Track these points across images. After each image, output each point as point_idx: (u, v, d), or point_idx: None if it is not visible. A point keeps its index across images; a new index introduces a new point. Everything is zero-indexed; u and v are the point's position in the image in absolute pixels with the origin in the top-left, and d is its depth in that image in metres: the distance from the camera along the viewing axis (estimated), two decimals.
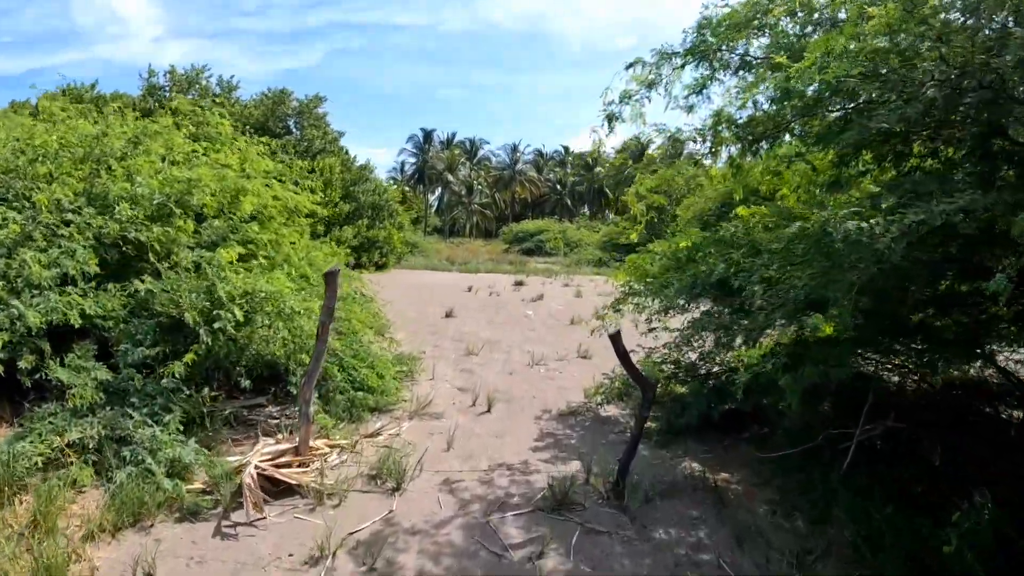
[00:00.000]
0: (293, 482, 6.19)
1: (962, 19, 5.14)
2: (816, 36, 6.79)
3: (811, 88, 7.98)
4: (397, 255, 37.58)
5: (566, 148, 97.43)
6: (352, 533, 5.55)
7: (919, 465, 7.17)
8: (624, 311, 8.52)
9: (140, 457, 6.36)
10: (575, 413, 8.98)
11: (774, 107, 7.75)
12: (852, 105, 7.08)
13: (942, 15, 5.08)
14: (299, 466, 6.56)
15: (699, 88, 7.65)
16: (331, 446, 7.12)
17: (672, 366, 9.32)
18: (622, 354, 5.89)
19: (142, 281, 7.65)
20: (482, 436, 7.96)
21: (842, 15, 6.31)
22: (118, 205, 8.05)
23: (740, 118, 7.94)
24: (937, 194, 4.45)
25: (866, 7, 5.24)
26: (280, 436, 7.30)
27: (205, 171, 9.42)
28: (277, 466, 6.36)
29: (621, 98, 6.85)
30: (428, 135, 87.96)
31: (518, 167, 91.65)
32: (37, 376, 6.78)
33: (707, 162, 8.11)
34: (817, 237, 3.81)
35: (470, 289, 24.70)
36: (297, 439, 6.86)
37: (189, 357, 6.95)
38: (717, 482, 6.95)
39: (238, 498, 5.93)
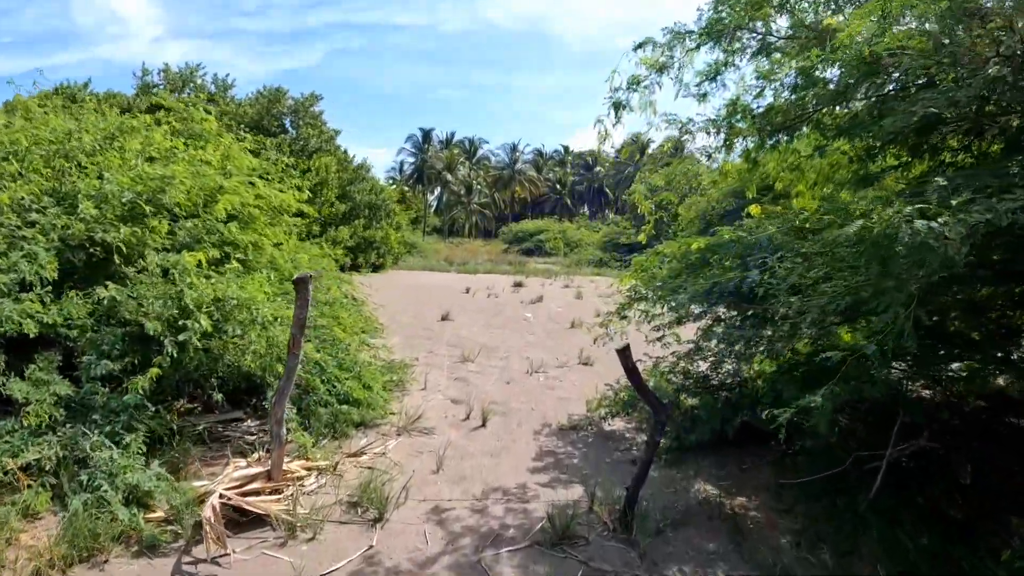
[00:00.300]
0: (262, 512, 5.54)
1: None
2: (847, 12, 6.18)
3: (833, 73, 7.39)
4: (394, 256, 37.00)
5: (566, 148, 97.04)
6: (326, 575, 4.90)
7: (948, 483, 6.58)
8: (631, 317, 7.87)
9: (97, 483, 5.73)
10: (576, 428, 8.33)
11: (794, 96, 7.16)
12: (887, 91, 6.47)
13: None
14: (271, 493, 5.92)
15: (713, 74, 7.02)
16: (308, 468, 6.46)
17: (681, 376, 8.69)
18: (632, 372, 5.24)
19: (106, 287, 7.00)
20: (475, 455, 7.30)
21: None
22: (82, 204, 7.41)
23: (758, 108, 7.33)
24: (995, 190, 3.82)
25: None
26: (254, 457, 6.66)
27: (180, 168, 8.78)
28: (245, 493, 5.71)
29: (629, 84, 6.21)
30: (427, 134, 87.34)
31: (517, 167, 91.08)
32: None
33: (720, 156, 7.47)
34: (875, 239, 3.18)
35: (468, 291, 24.07)
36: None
37: (153, 372, 6.30)
38: (734, 508, 6.30)
39: (201, 530, 5.29)
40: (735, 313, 6.85)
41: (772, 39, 6.43)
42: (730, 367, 8.23)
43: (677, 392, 8.07)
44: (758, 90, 7.30)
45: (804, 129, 7.53)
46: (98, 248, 7.60)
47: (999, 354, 6.15)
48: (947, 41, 4.23)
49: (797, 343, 6.38)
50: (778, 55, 7.12)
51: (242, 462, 6.37)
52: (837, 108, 7.62)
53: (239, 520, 5.60)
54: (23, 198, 7.53)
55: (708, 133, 7.17)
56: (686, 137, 7.04)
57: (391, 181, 78.91)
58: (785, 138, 7.39)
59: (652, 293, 7.81)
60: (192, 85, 30.70)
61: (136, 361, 6.78)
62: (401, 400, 9.15)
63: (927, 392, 7.57)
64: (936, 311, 5.43)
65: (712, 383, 8.28)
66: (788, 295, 4.67)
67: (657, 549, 5.43)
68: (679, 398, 8.39)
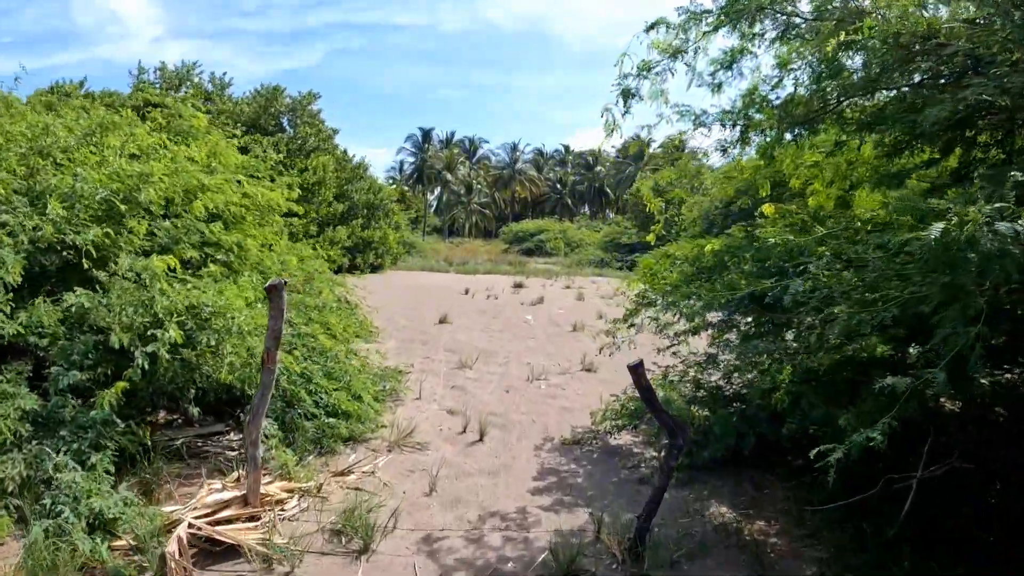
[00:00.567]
0: (235, 543, 5.01)
1: None
2: None
3: (856, 63, 6.86)
4: (393, 256, 36.50)
5: (566, 147, 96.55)
6: None
7: (979, 504, 6.09)
8: (641, 323, 7.35)
9: (59, 508, 5.22)
10: (580, 442, 7.80)
11: (816, 85, 6.65)
12: (921, 80, 5.97)
13: None
14: (248, 519, 5.39)
15: (729, 62, 6.49)
16: (289, 491, 5.94)
17: (691, 387, 8.17)
18: (646, 391, 4.71)
19: (75, 293, 6.49)
20: (472, 474, 6.77)
21: None
22: (50, 204, 6.89)
23: (776, 99, 6.81)
24: None
25: None
26: (232, 477, 6.14)
27: (158, 164, 8.27)
28: (218, 521, 5.19)
29: (639, 70, 5.67)
30: (427, 134, 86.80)
31: (518, 166, 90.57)
32: None
33: (734, 151, 6.94)
34: (947, 244, 2.67)
35: (467, 292, 23.55)
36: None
37: (119, 386, 5.78)
38: (753, 534, 5.78)
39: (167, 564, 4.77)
40: (750, 319, 6.31)
41: (797, 20, 5.89)
42: (744, 377, 7.71)
43: (689, 404, 7.54)
44: (776, 80, 6.80)
45: (824, 123, 7.05)
46: (71, 251, 7.10)
47: None
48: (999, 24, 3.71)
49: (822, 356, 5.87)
50: (798, 42, 6.62)
51: (217, 484, 5.85)
52: (860, 100, 7.13)
53: (212, 550, 5.08)
54: None
55: (723, 126, 6.66)
56: (699, 130, 6.53)
57: (391, 181, 78.41)
58: (805, 132, 6.90)
59: (663, 298, 7.30)
60: (189, 84, 30.17)
61: (109, 372, 6.29)
62: (394, 411, 8.62)
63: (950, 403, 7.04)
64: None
65: (725, 394, 7.76)
66: (823, 304, 4.14)
67: None
68: (691, 411, 7.88)
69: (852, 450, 3.75)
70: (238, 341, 6.23)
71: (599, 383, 10.60)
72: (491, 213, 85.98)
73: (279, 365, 6.61)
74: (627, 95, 5.69)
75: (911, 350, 5.04)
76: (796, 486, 6.75)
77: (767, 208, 8.30)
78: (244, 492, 5.54)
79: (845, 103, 6.90)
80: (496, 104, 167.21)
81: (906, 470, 5.88)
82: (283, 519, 5.56)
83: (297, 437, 7.03)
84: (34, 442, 5.67)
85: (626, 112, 5.74)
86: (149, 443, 6.51)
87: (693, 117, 6.43)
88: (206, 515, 5.22)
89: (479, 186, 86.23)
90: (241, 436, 7.32)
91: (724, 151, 6.67)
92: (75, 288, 6.55)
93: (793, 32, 6.47)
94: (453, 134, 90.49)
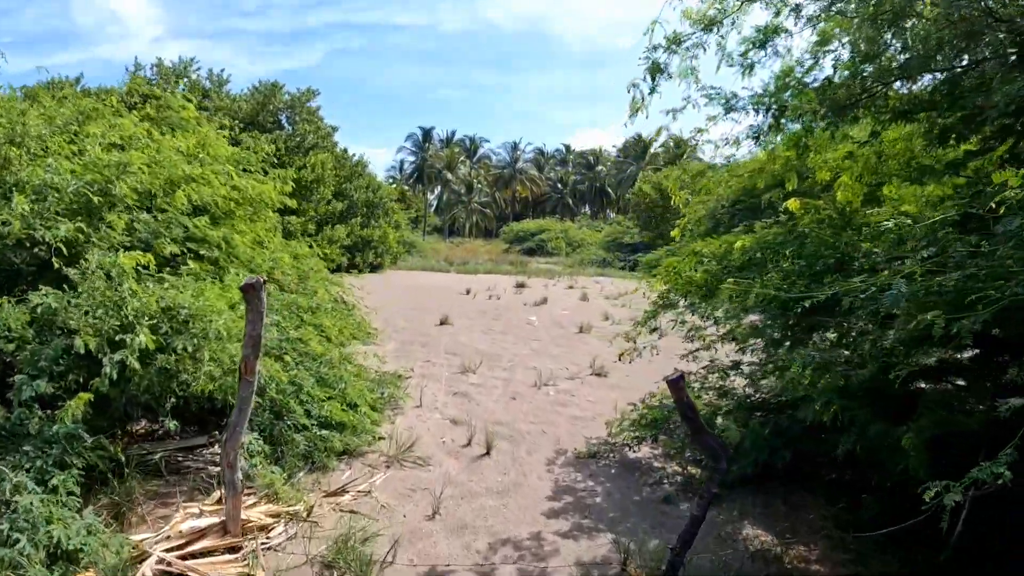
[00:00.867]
0: None
1: None
2: None
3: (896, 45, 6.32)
4: (393, 255, 35.93)
5: (567, 146, 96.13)
6: None
7: None
8: (662, 328, 6.74)
9: (15, 536, 4.60)
10: (596, 456, 7.17)
11: (862, 65, 6.06)
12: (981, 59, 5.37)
13: None
14: (227, 550, 4.77)
15: (762, 41, 5.88)
16: (275, 515, 5.30)
17: (713, 393, 7.55)
18: (688, 409, 4.08)
19: (41, 292, 5.87)
20: (479, 494, 6.13)
21: None
22: (15, 197, 6.27)
23: (813, 81, 6.21)
24: None
25: None
26: (214, 498, 5.51)
27: (138, 154, 7.65)
28: (192, 554, 4.57)
29: (669, 43, 5.04)
30: (427, 133, 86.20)
31: (518, 166, 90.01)
32: None
33: (765, 140, 6.32)
34: None
35: (468, 292, 22.92)
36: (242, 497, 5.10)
37: (84, 397, 5.16)
38: (794, 562, 5.17)
39: None
40: (793, 324, 5.67)
41: None
42: (771, 383, 7.08)
43: (713, 414, 6.91)
44: (810, 63, 6.20)
45: (864, 110, 6.46)
46: (43, 248, 6.49)
47: None
48: None
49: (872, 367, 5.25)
50: (839, 18, 6.02)
51: (194, 508, 5.22)
52: (902, 85, 6.55)
53: None
54: None
55: (756, 111, 6.04)
56: (731, 116, 5.91)
57: (391, 180, 77.85)
58: (846, 119, 6.30)
59: (688, 300, 6.69)
60: (186, 80, 29.55)
61: (80, 379, 5.67)
62: (393, 420, 7.99)
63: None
64: None
65: (751, 401, 7.13)
66: (917, 308, 3.52)
67: None
68: (712, 415, 7.26)
69: (967, 486, 3.15)
70: (218, 347, 5.59)
71: (611, 388, 9.97)
72: (492, 213, 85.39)
73: (263, 374, 5.99)
74: (656, 71, 5.07)
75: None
76: (831, 502, 6.16)
77: (792, 203, 7.69)
78: (224, 518, 4.91)
79: (890, 86, 6.32)
80: (496, 104, 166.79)
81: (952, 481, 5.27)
82: (267, 549, 4.93)
83: (286, 452, 6.40)
84: None
85: (653, 90, 5.13)
86: (122, 458, 5.91)
87: (723, 101, 5.81)
88: (179, 546, 4.61)
89: (479, 185, 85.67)
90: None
91: (757, 139, 6.05)
92: (44, 287, 5.95)
93: (834, 8, 5.88)
94: (454, 133, 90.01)
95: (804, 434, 6.22)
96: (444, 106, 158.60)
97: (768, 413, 6.93)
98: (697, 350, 7.14)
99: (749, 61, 5.96)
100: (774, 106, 5.89)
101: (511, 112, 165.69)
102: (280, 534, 5.15)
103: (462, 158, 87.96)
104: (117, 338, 5.38)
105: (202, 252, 7.49)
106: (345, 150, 34.62)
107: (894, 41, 6.07)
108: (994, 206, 3.71)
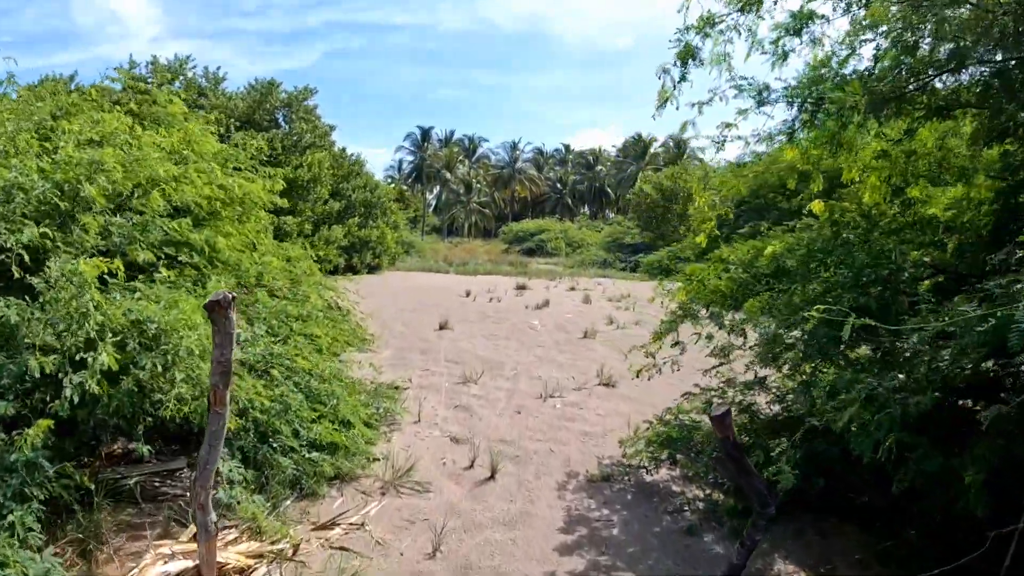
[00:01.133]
0: None
1: None
2: None
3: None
4: (391, 256, 35.34)
5: (566, 146, 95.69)
6: None
7: None
8: (684, 343, 6.17)
9: None
10: (610, 479, 6.58)
11: (898, 59, 5.54)
12: None
13: None
14: None
15: (797, 28, 5.33)
16: (257, 556, 4.73)
17: (735, 409, 6.98)
18: (733, 447, 3.51)
19: (6, 305, 5.29)
20: (484, 525, 5.55)
21: None
22: None
23: (852, 73, 5.66)
24: None
25: None
26: (189, 534, 4.93)
27: (111, 151, 7.08)
28: None
29: (702, 24, 4.48)
30: (426, 133, 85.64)
31: (517, 166, 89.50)
32: None
33: (800, 136, 5.76)
34: None
35: (468, 294, 22.34)
36: (220, 533, 4.55)
37: (44, 424, 4.59)
38: None
39: None
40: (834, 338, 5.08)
41: None
42: (799, 402, 6.49)
43: (738, 434, 6.33)
44: (847, 52, 5.65)
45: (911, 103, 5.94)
46: (9, 255, 5.93)
47: None
48: None
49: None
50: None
51: (166, 548, 4.64)
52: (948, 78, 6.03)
53: None
54: None
55: (790, 104, 5.48)
56: (763, 109, 5.35)
57: (389, 180, 77.32)
58: (888, 113, 5.75)
59: (711, 310, 6.13)
60: (182, 78, 28.93)
61: (47, 399, 5.11)
62: (389, 438, 7.42)
63: None
64: None
65: (778, 420, 6.55)
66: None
67: None
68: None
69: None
70: (192, 365, 5.01)
71: (621, 400, 9.40)
72: (491, 213, 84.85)
73: (243, 395, 5.42)
74: (687, 55, 4.51)
75: None
76: (865, 529, 5.60)
77: (816, 205, 7.16)
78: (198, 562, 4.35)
79: (935, 78, 5.79)
80: (496, 104, 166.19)
81: (1002, 517, 4.72)
82: None
83: (271, 478, 5.84)
84: None
85: (683, 77, 4.58)
86: (92, 486, 5.35)
87: (755, 92, 5.24)
88: None
89: (479, 185, 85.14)
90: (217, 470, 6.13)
91: (791, 135, 5.48)
92: (6, 299, 5.38)
93: None
94: (452, 133, 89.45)
95: (839, 457, 5.67)
96: (444, 106, 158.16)
97: (796, 433, 6.36)
98: (720, 364, 6.58)
99: (782, 49, 5.41)
100: (811, 98, 5.33)
101: (511, 112, 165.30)
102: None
103: (461, 158, 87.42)
104: (78, 357, 4.81)
105: (181, 257, 6.90)
106: (343, 149, 34.08)
107: (937, 28, 5.51)
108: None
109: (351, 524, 5.40)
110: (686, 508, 6.01)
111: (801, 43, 5.46)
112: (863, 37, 5.65)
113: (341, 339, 10.53)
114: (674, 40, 4.58)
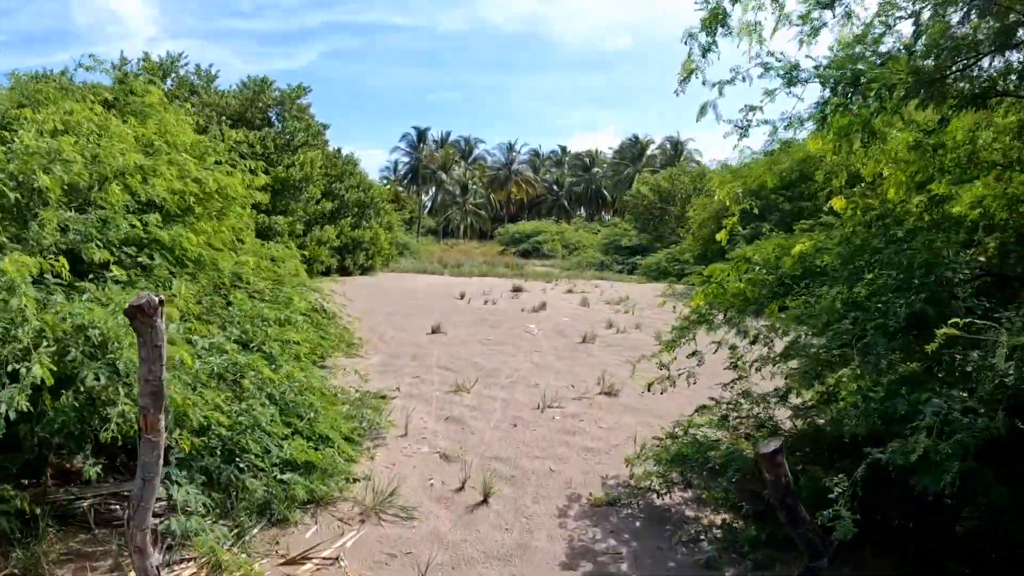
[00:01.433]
0: None
1: None
2: None
3: None
4: (384, 257, 34.74)
5: (563, 148, 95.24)
6: None
7: None
8: (701, 350, 5.55)
9: None
10: (615, 502, 5.93)
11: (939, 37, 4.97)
12: None
13: None
14: None
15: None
16: None
17: (752, 424, 6.37)
18: (783, 491, 2.89)
19: None
20: (476, 560, 4.89)
21: None
22: None
23: (888, 52, 5.07)
24: None
25: None
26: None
27: (69, 140, 6.46)
28: None
29: None
30: (422, 133, 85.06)
31: (514, 167, 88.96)
32: None
33: (832, 121, 5.15)
34: None
35: (462, 296, 21.72)
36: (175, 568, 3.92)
37: None
38: None
39: None
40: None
41: None
42: (825, 413, 5.86)
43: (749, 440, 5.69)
44: (882, 30, 5.06)
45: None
46: None
47: None
48: None
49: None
50: None
51: None
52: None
53: None
54: None
55: (824, 85, 4.86)
56: (793, 89, 4.74)
57: (385, 180, 76.72)
58: (930, 98, 5.15)
59: (732, 315, 5.52)
60: (174, 76, 28.28)
61: None
62: (372, 455, 6.77)
63: None
64: None
65: (801, 435, 5.93)
66: None
67: None
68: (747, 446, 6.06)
69: None
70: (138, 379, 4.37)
71: (624, 411, 8.77)
72: (486, 214, 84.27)
73: (201, 414, 4.77)
74: (715, 20, 3.90)
75: None
76: (899, 560, 4.98)
77: (837, 202, 6.58)
78: None
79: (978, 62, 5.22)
80: (493, 106, 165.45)
81: None
82: None
83: (238, 500, 5.20)
84: None
85: (708, 49, 3.98)
86: (36, 511, 4.74)
87: (784, 71, 4.63)
88: None
89: (475, 186, 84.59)
90: (170, 496, 5.48)
91: (823, 121, 4.85)
92: None
93: None
94: (448, 134, 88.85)
95: (871, 479, 5.05)
96: (441, 108, 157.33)
97: (823, 452, 5.74)
98: (739, 379, 5.96)
99: (812, 23, 4.81)
100: (847, 78, 4.71)
101: (507, 114, 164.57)
102: None
103: (457, 159, 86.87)
104: (11, 368, 4.17)
105: (141, 259, 6.27)
106: (339, 149, 33.52)
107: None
108: None
109: (324, 559, 4.74)
110: (703, 537, 5.37)
111: (834, 17, 4.87)
112: (898, 13, 5.08)
113: (326, 344, 9.89)
114: (700, 2, 3.98)
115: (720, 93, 4.63)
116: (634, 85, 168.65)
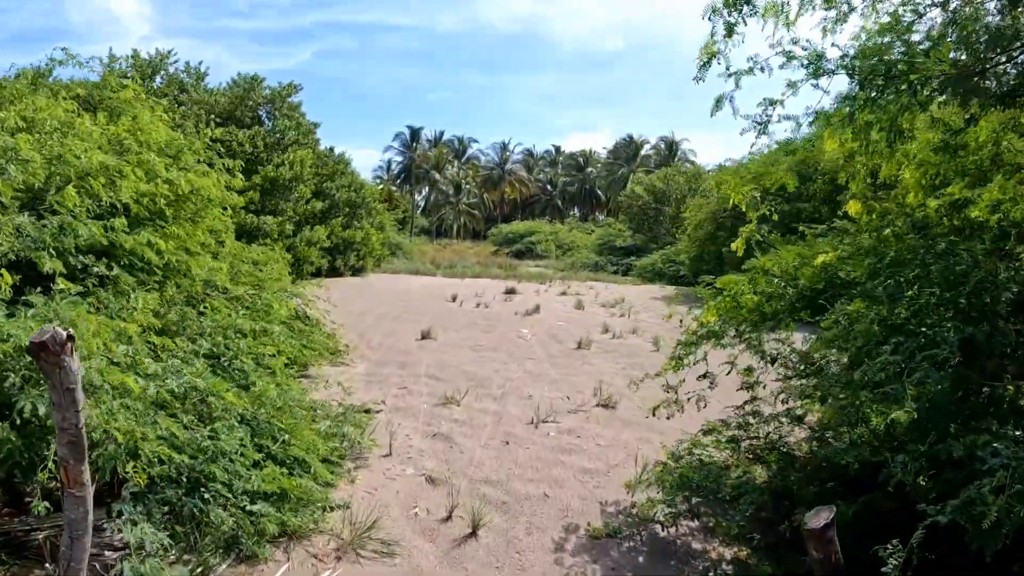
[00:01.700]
0: None
1: None
2: None
3: None
4: (376, 258, 34.20)
5: (557, 148, 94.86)
6: None
7: None
8: (713, 371, 5.07)
9: None
10: (616, 534, 5.44)
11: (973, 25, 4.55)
12: None
13: None
14: None
15: None
16: None
17: (760, 443, 5.88)
18: (835, 574, 2.41)
19: None
20: None
21: None
22: None
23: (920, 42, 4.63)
24: None
25: None
26: None
27: (25, 138, 5.96)
28: None
29: None
30: (415, 133, 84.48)
31: (507, 167, 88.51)
32: None
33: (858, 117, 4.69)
34: None
35: (454, 299, 21.22)
36: None
37: None
38: None
39: None
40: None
41: None
42: (846, 435, 5.37)
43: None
44: (911, 19, 4.62)
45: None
46: None
47: None
48: None
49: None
50: None
51: None
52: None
53: None
54: None
55: (851, 76, 4.40)
56: (819, 81, 4.28)
57: (378, 180, 76.20)
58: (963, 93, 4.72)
59: (744, 331, 5.04)
60: (164, 73, 27.67)
61: None
62: (352, 478, 6.27)
63: None
64: None
65: (819, 465, 5.45)
66: None
67: None
68: (755, 470, 5.59)
69: None
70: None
71: (623, 426, 8.30)
72: (480, 214, 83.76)
73: (150, 449, 4.27)
74: None
75: None
76: None
77: (853, 206, 6.13)
78: None
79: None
80: (488, 106, 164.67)
81: None
82: None
83: (202, 536, 4.70)
84: None
85: (733, 28, 3.52)
86: None
87: (810, 60, 4.16)
88: None
89: (468, 186, 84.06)
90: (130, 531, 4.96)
91: (851, 117, 4.39)
92: None
93: None
94: (442, 133, 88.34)
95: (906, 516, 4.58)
96: (436, 108, 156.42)
97: (831, 478, 5.24)
98: (754, 399, 5.49)
99: (839, 8, 4.34)
100: (879, 69, 4.25)
101: (502, 114, 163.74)
102: None
103: (450, 158, 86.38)
104: None
105: (96, 268, 5.77)
106: (331, 149, 32.97)
107: None
108: None
109: None
110: (712, 573, 4.90)
111: (863, 2, 4.41)
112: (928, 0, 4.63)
113: (308, 353, 9.39)
114: None
115: (737, 85, 4.18)
116: (630, 86, 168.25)
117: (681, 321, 5.76)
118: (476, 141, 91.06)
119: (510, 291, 24.01)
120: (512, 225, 63.78)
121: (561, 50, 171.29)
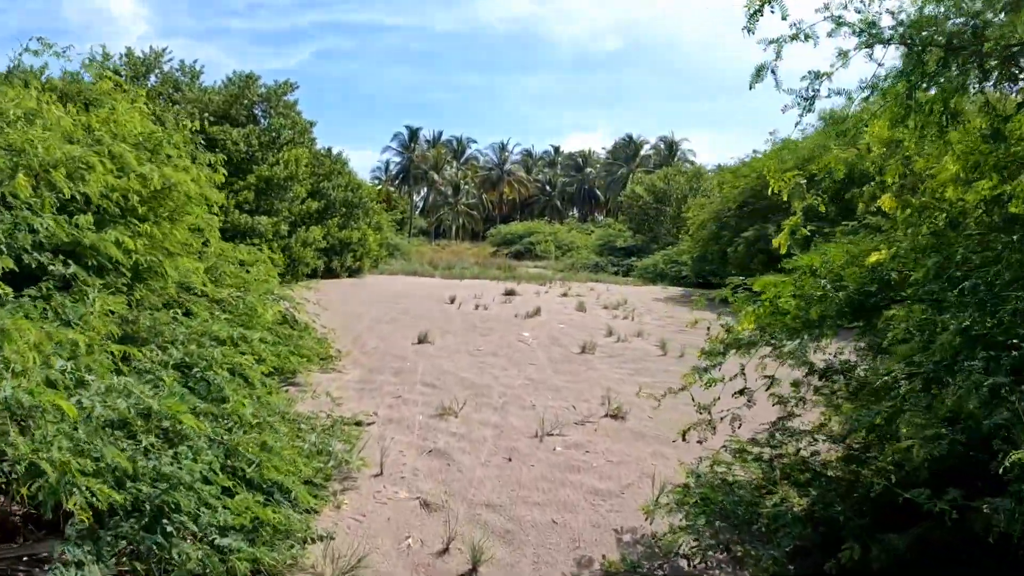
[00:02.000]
0: None
1: None
2: None
3: None
4: (373, 259, 33.66)
5: (556, 148, 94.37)
6: None
7: None
8: (751, 387, 4.48)
9: None
10: (636, 568, 4.80)
11: None
12: None
13: None
14: None
15: None
16: None
17: (789, 461, 5.28)
18: None
19: None
20: None
21: None
22: None
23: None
24: None
25: None
26: None
27: None
28: None
29: None
30: (414, 133, 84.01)
31: (506, 167, 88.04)
32: None
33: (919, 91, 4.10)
34: None
35: (452, 301, 20.65)
36: None
37: None
38: None
39: None
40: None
41: None
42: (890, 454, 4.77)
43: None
44: None
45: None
46: None
47: None
48: None
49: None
50: None
51: None
52: None
53: None
54: None
55: (909, 47, 3.81)
56: (875, 50, 3.69)
57: (376, 180, 75.70)
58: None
59: (778, 339, 4.45)
60: (158, 71, 27.09)
61: None
62: (339, 503, 5.65)
63: None
64: None
65: (863, 486, 4.85)
66: None
67: None
68: (784, 491, 4.99)
69: None
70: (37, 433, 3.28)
71: (635, 438, 7.70)
72: (478, 214, 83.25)
73: (85, 487, 3.66)
74: None
75: None
76: None
77: (886, 201, 5.53)
78: None
79: None
80: (487, 106, 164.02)
81: None
82: None
83: (164, 575, 4.09)
84: None
85: None
86: None
87: (864, 27, 3.57)
88: None
89: (467, 187, 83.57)
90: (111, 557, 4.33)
91: (909, 94, 3.80)
92: None
93: None
94: (441, 133, 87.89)
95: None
96: (434, 108, 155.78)
97: (862, 496, 4.64)
98: (791, 415, 4.89)
99: None
100: (938, 39, 3.66)
101: (501, 114, 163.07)
102: None
103: (449, 159, 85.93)
104: None
105: (52, 267, 5.17)
106: (329, 149, 32.44)
107: None
108: None
109: None
110: None
111: None
112: None
113: (295, 360, 8.80)
114: None
115: (778, 55, 3.58)
116: (629, 86, 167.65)
117: (709, 328, 5.14)
118: (475, 141, 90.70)
119: (509, 293, 23.46)
120: (511, 226, 63.32)
121: (560, 50, 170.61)
